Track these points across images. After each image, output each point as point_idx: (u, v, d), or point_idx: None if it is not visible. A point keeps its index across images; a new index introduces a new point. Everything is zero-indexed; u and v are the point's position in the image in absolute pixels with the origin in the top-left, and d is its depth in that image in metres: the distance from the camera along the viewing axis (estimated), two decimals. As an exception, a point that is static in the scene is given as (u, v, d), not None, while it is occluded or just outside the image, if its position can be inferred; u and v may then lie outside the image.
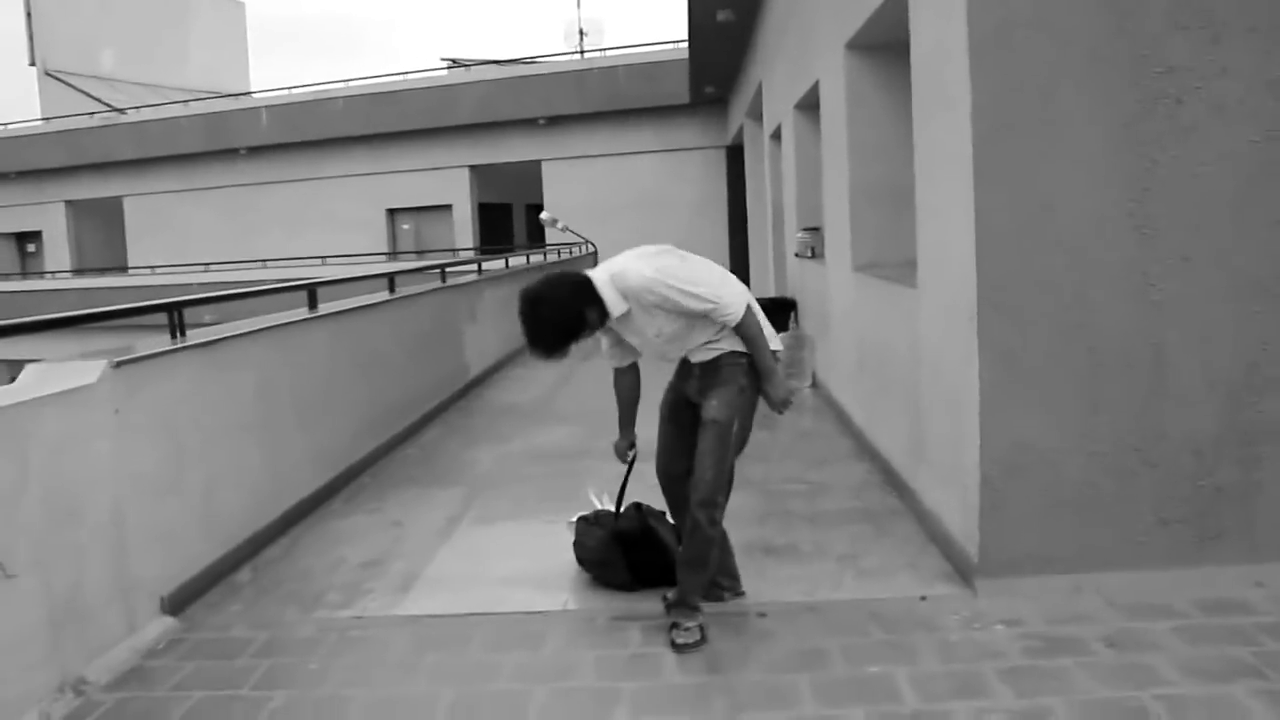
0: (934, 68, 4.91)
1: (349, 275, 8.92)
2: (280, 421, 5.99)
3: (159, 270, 29.53)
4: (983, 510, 4.49)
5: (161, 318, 5.15)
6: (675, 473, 4.44)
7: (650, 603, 4.53)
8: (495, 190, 30.51)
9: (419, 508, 6.31)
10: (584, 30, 31.29)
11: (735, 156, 24.85)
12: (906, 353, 5.79)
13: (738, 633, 4.21)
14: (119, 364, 4.39)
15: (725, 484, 4.19)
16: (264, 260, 28.51)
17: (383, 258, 28.46)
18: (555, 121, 27.29)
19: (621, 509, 4.90)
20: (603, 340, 4.38)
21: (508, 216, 32.85)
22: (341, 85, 29.65)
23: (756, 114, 17.69)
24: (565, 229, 24.54)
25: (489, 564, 5.25)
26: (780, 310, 11.58)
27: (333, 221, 29.44)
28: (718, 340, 4.22)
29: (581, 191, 27.22)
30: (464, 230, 28.96)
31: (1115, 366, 4.41)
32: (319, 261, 27.11)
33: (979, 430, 4.46)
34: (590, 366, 12.69)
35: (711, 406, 4.18)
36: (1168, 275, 4.38)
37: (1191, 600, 4.24)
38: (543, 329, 4.01)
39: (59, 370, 4.27)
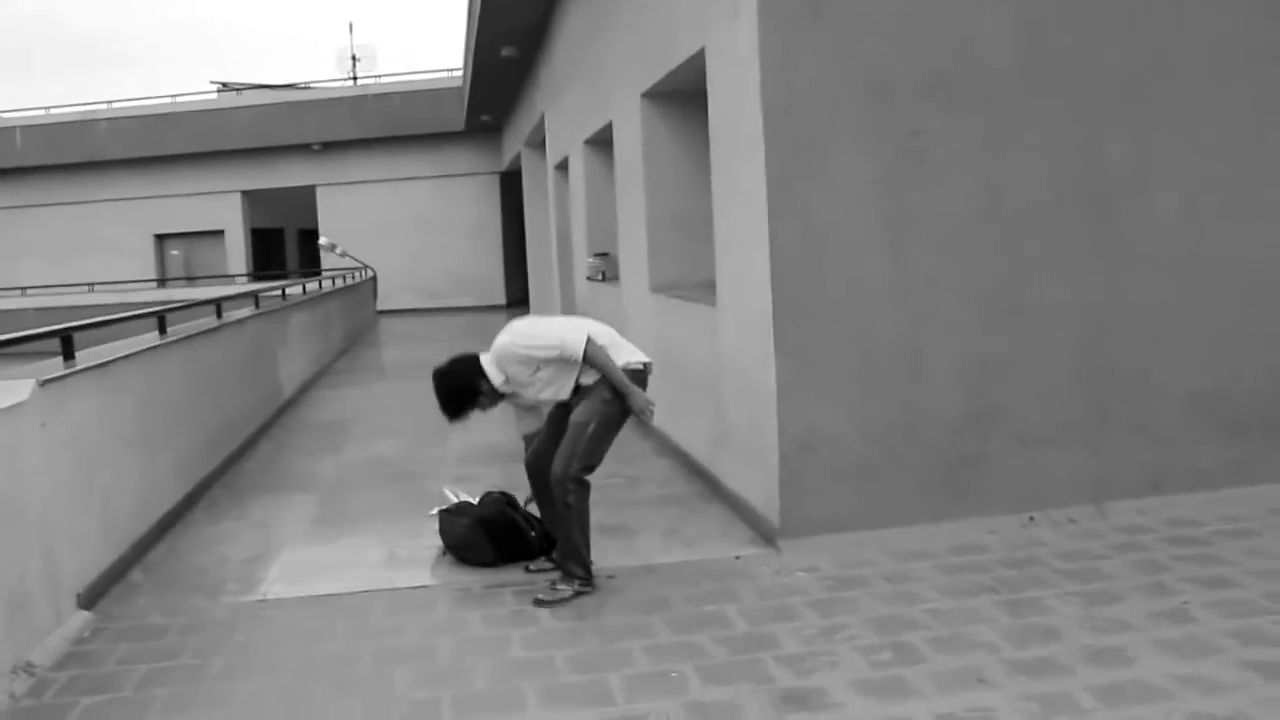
0: (732, 123, 5.98)
1: (189, 300, 9.36)
2: (152, 436, 6.55)
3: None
4: (782, 484, 5.56)
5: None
6: (541, 465, 5.23)
7: (514, 574, 5.40)
8: (268, 215, 30.43)
9: (281, 512, 6.97)
10: (357, 57, 31.63)
11: (509, 182, 25.75)
12: (707, 361, 6.83)
13: (595, 591, 5.12)
14: (44, 382, 4.96)
15: (575, 470, 4.99)
16: (23, 288, 27.59)
17: (152, 284, 27.96)
18: (330, 146, 27.53)
19: (485, 497, 5.79)
20: (513, 413, 5.45)
21: (281, 241, 32.71)
22: (106, 106, 28.96)
23: (537, 144, 18.60)
24: (344, 254, 24.84)
25: (363, 554, 5.98)
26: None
27: (99, 248, 28.69)
28: (583, 368, 5.05)
29: (358, 216, 27.50)
30: (236, 256, 28.78)
31: (883, 362, 5.58)
32: (86, 289, 26.49)
33: (777, 418, 5.53)
34: (394, 387, 13.38)
35: (576, 411, 5.05)
36: (919, 289, 5.59)
37: (945, 546, 5.43)
38: (444, 398, 5.14)
39: (-9, 388, 4.80)
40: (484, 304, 26.77)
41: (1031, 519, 5.69)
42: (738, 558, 5.53)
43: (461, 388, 5.10)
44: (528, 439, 5.45)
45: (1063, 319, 5.77)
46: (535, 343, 5.02)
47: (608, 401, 5.01)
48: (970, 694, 3.79)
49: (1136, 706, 3.63)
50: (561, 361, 5.01)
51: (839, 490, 5.59)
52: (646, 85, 8.17)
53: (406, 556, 5.85)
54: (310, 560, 5.93)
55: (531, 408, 5.36)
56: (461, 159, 27.35)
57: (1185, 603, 4.52)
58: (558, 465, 4.99)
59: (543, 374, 5.05)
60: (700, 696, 3.92)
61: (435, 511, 5.96)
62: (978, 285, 5.68)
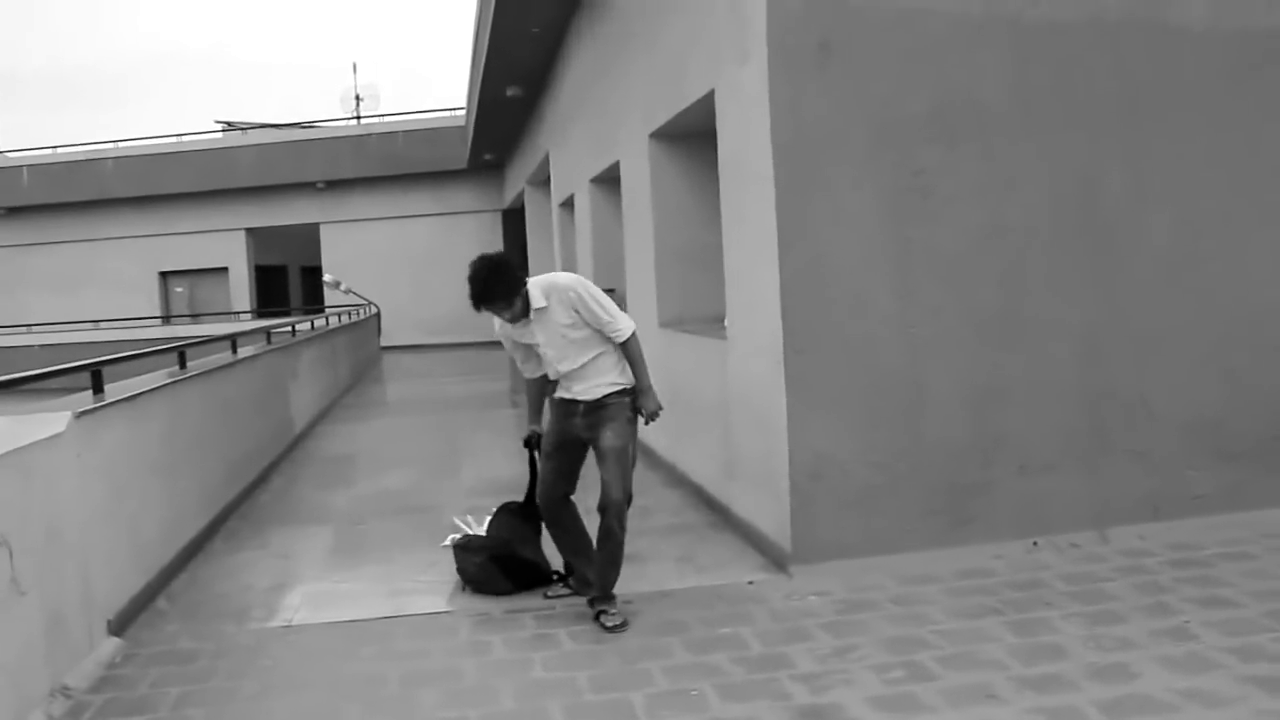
0: (742, 162, 6.19)
1: (207, 336, 9.55)
2: (175, 467, 6.71)
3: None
4: (792, 511, 5.72)
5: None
6: (557, 495, 5.35)
7: (533, 600, 5.55)
8: (272, 252, 30.68)
9: (299, 543, 7.12)
10: (360, 96, 31.99)
11: (512, 219, 26.01)
12: (715, 392, 7.01)
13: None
14: (79, 415, 5.14)
15: (629, 497, 5.11)
16: (29, 325, 27.78)
17: (157, 321, 28.17)
18: (334, 185, 27.82)
19: (525, 498, 5.81)
20: (516, 356, 5.40)
21: (284, 279, 32.95)
22: (111, 145, 29.27)
23: (541, 182, 18.84)
24: (348, 291, 25.05)
25: (382, 583, 6.13)
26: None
27: (104, 284, 28.92)
28: (598, 359, 5.11)
29: (361, 253, 27.72)
30: (240, 293, 29.00)
31: (889, 392, 5.75)
32: (91, 325, 26.69)
33: (787, 447, 5.70)
34: (401, 422, 13.56)
35: (608, 437, 5.08)
36: (923, 322, 5.77)
37: (951, 570, 5.59)
38: (486, 274, 4.92)
39: (30, 421, 4.98)
40: (486, 340, 26.85)
41: (1036, 544, 5.85)
42: (750, 582, 5.68)
43: (507, 276, 4.96)
44: (529, 382, 5.50)
45: (1062, 348, 5.96)
46: (599, 298, 5.07)
47: (631, 420, 5.19)
48: (980, 709, 3.95)
49: (1140, 719, 3.78)
50: (600, 334, 5.10)
51: (848, 517, 5.75)
52: (655, 126, 8.39)
53: (425, 585, 5.99)
54: (331, 588, 6.08)
55: (531, 356, 5.35)
56: (464, 197, 27.65)
57: (1186, 622, 4.68)
58: (614, 492, 5.04)
59: (574, 334, 5.08)
60: (720, 713, 4.07)
61: (448, 542, 6.10)
62: (980, 316, 5.87)
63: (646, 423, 5.28)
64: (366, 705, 4.36)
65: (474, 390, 16.58)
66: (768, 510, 6.06)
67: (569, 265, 15.25)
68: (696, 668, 4.53)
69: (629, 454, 5.14)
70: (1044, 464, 5.94)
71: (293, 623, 5.49)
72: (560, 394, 5.29)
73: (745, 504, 6.54)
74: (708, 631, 4.97)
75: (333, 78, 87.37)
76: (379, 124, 29.16)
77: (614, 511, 5.06)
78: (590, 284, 5.14)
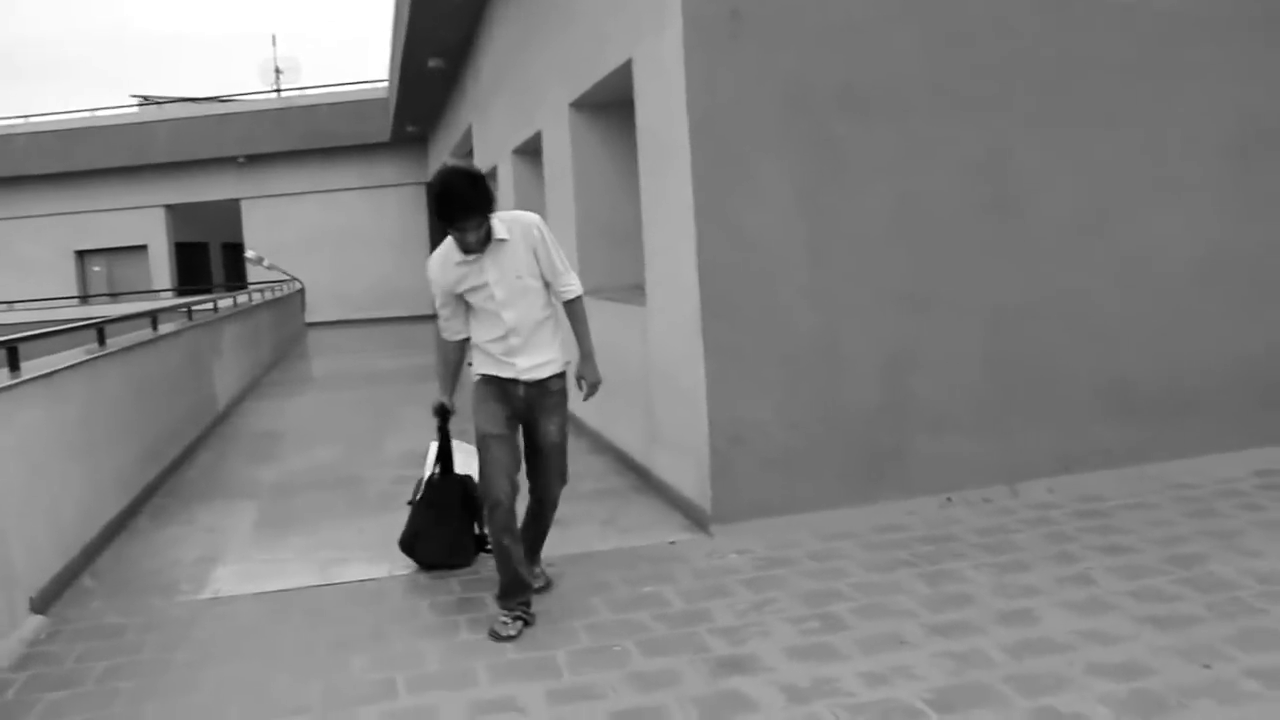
0: (659, 133, 6.28)
1: (127, 313, 9.45)
2: (95, 445, 6.67)
3: None
4: (713, 474, 5.86)
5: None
6: (511, 490, 4.65)
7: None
8: (192, 229, 30.20)
9: (227, 517, 7.12)
10: (280, 69, 31.54)
11: (437, 192, 25.83)
12: (638, 361, 7.11)
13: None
14: (-6, 392, 5.11)
15: (565, 480, 4.96)
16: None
17: (74, 301, 27.66)
18: (255, 159, 27.44)
19: (441, 466, 5.57)
20: (444, 309, 4.78)
21: (205, 256, 32.47)
22: (23, 121, 28.59)
23: (464, 154, 18.76)
24: (271, 266, 24.80)
25: (310, 553, 6.16)
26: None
27: (18, 265, 28.29)
28: (543, 326, 4.67)
29: (284, 228, 27.42)
30: (160, 271, 28.56)
31: (806, 357, 5.90)
32: (5, 307, 26.15)
33: (707, 413, 5.82)
34: (327, 397, 13.50)
35: (552, 432, 4.79)
36: (838, 290, 5.92)
37: (867, 527, 5.77)
38: (462, 185, 4.34)
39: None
40: (412, 314, 26.86)
41: (949, 500, 6.05)
42: (672, 543, 5.81)
43: (483, 187, 4.43)
44: (448, 344, 4.94)
45: (973, 314, 6.14)
46: (558, 251, 4.72)
47: (567, 409, 4.93)
48: (892, 655, 4.11)
49: (1042, 658, 3.98)
50: (547, 290, 4.73)
51: (767, 478, 5.90)
52: (575, 95, 8.44)
53: (353, 555, 6.04)
54: (260, 560, 6.11)
55: (460, 311, 4.79)
56: (388, 170, 27.43)
57: (1088, 568, 4.90)
58: (556, 487, 4.92)
59: (527, 282, 4.62)
60: (642, 667, 4.19)
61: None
62: (893, 283, 6.03)
63: (586, 396, 5.07)
64: (297, 671, 4.42)
65: (400, 365, 16.51)
66: (689, 473, 6.18)
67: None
68: (620, 625, 4.65)
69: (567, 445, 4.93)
70: (956, 424, 6.13)
71: (221, 594, 5.51)
72: (492, 371, 4.73)
73: (667, 468, 6.66)
74: (631, 590, 5.09)
75: (250, 50, 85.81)
76: (300, 97, 28.78)
77: (552, 506, 4.99)
78: (549, 233, 4.72)
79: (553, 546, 5.54)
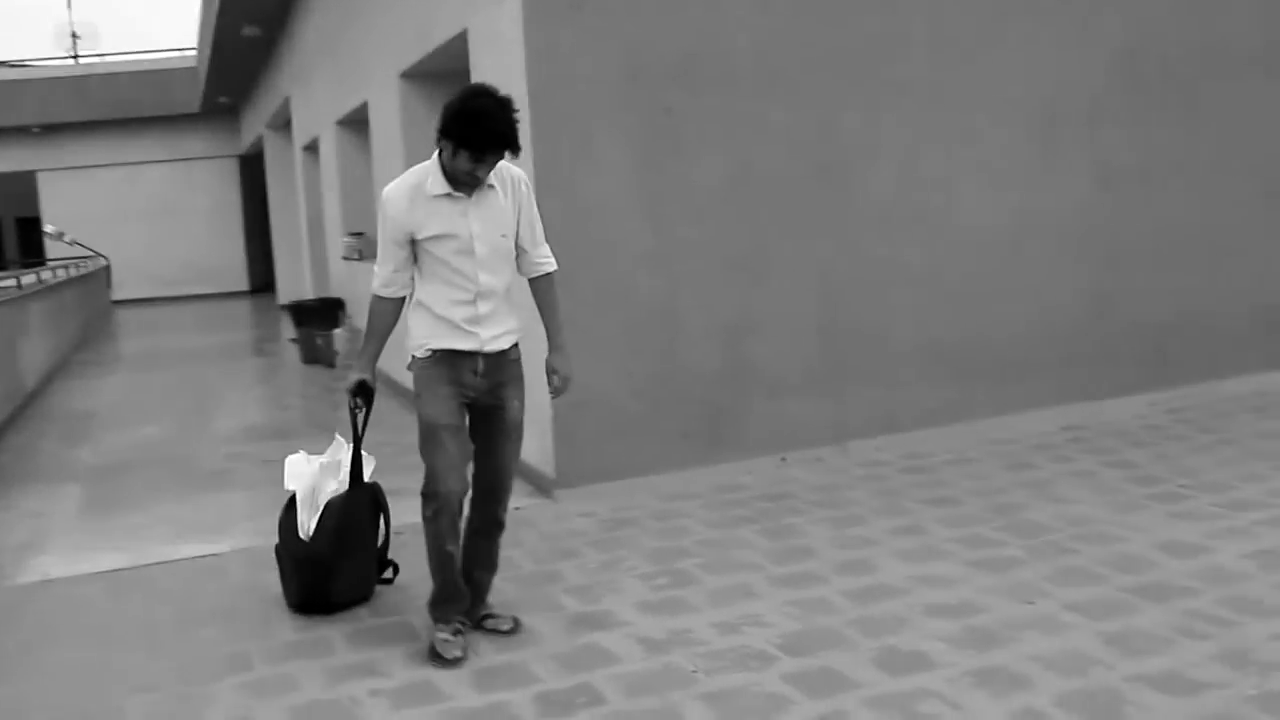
0: (497, 103, 6.29)
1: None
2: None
3: None
4: (556, 440, 5.95)
5: None
6: (464, 491, 4.03)
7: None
8: (-16, 203, 28.55)
9: (50, 500, 6.84)
10: (77, 34, 30.02)
11: (250, 165, 25.13)
12: (477, 330, 7.13)
13: (402, 548, 5.32)
14: None
15: None
16: None
17: None
18: (51, 129, 26.09)
19: (352, 474, 4.60)
20: (395, 256, 3.97)
21: (-2, 231, 30.78)
22: None
23: (281, 126, 18.32)
24: (72, 242, 23.74)
25: (144, 531, 5.99)
26: (329, 310, 12.61)
27: None
28: (508, 295, 4.04)
29: (87, 202, 26.21)
30: (-51, 246, 26.93)
31: (646, 324, 6.04)
32: None
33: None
34: (142, 377, 13.06)
35: (515, 407, 4.09)
36: (676, 256, 6.07)
37: (707, 487, 5.97)
38: (515, 128, 3.75)
39: None
40: (226, 291, 26.07)
41: (784, 459, 6.29)
42: (518, 508, 5.87)
43: (516, 121, 3.78)
44: (386, 302, 4.06)
45: (804, 281, 6.38)
46: (537, 212, 4.14)
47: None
48: (742, 605, 4.29)
49: (881, 603, 4.22)
50: (513, 259, 4.08)
51: (610, 443, 6.02)
52: (405, 66, 8.37)
53: (190, 531, 5.91)
54: (90, 540, 5.91)
55: (409, 264, 3.99)
56: (198, 142, 26.44)
57: (918, 520, 5.20)
58: (510, 477, 4.20)
59: (506, 242, 3.98)
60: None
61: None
62: (729, 251, 6.21)
63: (556, 394, 4.29)
64: (145, 649, 4.31)
65: (217, 341, 16.04)
66: (532, 440, 6.24)
67: (314, 210, 14.97)
68: (472, 589, 4.71)
69: None
70: (790, 387, 6.36)
71: (52, 576, 5.32)
72: (447, 343, 3.95)
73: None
74: (480, 556, 5.15)
75: (43, 14, 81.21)
76: (100, 64, 27.45)
77: (503, 502, 4.22)
78: None
79: (400, 515, 5.47)
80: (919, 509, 5.38)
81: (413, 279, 4.05)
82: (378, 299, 4.08)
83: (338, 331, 11.90)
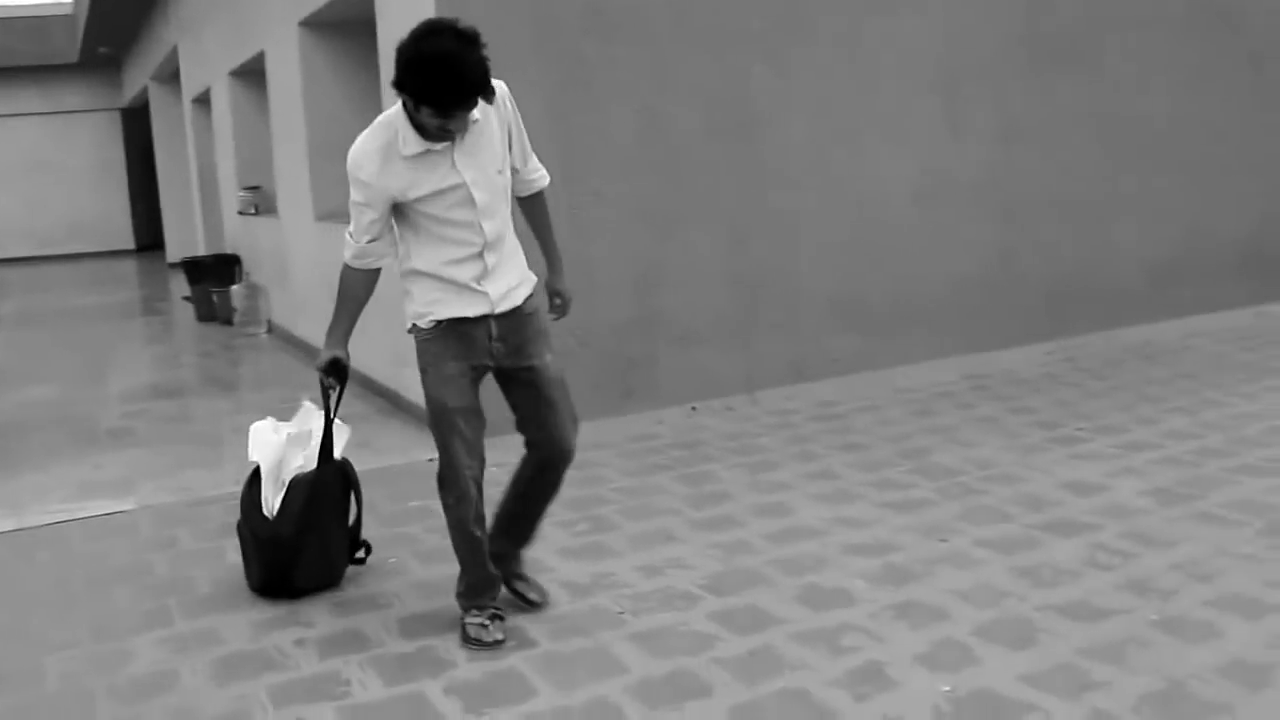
0: (404, 51, 6.20)
1: None
2: None
3: None
4: (470, 392, 5.93)
5: None
6: (479, 477, 3.85)
7: (221, 491, 5.48)
8: None
9: (-62, 462, 6.64)
10: (-57, -20, 28.61)
11: (134, 118, 24.35)
12: (381, 284, 7.04)
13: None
14: None
15: None
16: None
17: None
18: (-82, 80, 24.92)
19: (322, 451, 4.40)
20: (372, 220, 3.54)
21: None
22: None
23: (168, 77, 17.79)
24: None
25: (45, 492, 5.82)
26: (225, 266, 12.35)
27: None
28: (510, 234, 3.66)
29: (-44, 158, 25.11)
30: None
31: (559, 275, 6.03)
32: None
33: (463, 331, 5.88)
34: (26, 336, 12.66)
35: (550, 361, 3.71)
36: (588, 207, 6.08)
37: (622, 436, 6.02)
38: (485, 70, 3.21)
39: None
40: (109, 249, 25.27)
41: (694, 409, 6.37)
42: (431, 460, 5.85)
43: (485, 58, 3.22)
44: (359, 273, 3.75)
45: (714, 232, 6.44)
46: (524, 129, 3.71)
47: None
48: (663, 549, 4.36)
49: (799, 544, 4.33)
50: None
51: (524, 394, 6.02)
52: (305, 14, 8.18)
53: (93, 489, 5.80)
54: (-14, 501, 5.76)
55: (387, 228, 3.60)
56: (76, 95, 25.46)
57: (830, 464, 5.32)
58: (572, 432, 3.81)
59: (502, 178, 3.57)
60: (422, 576, 4.30)
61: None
62: (640, 203, 6.24)
63: (559, 315, 4.02)
64: (57, 610, 4.21)
65: (104, 301, 15.58)
66: (445, 393, 6.23)
67: (206, 164, 14.60)
68: (393, 539, 4.73)
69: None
70: (699, 338, 6.44)
71: (-55, 539, 5.18)
72: (454, 311, 3.55)
73: (417, 390, 6.65)
74: (397, 506, 5.16)
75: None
76: (-30, 11, 26.29)
77: (566, 461, 3.83)
78: None
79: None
80: (830, 454, 5.50)
81: (393, 246, 3.62)
82: (349, 270, 3.70)
83: (235, 288, 11.65)
